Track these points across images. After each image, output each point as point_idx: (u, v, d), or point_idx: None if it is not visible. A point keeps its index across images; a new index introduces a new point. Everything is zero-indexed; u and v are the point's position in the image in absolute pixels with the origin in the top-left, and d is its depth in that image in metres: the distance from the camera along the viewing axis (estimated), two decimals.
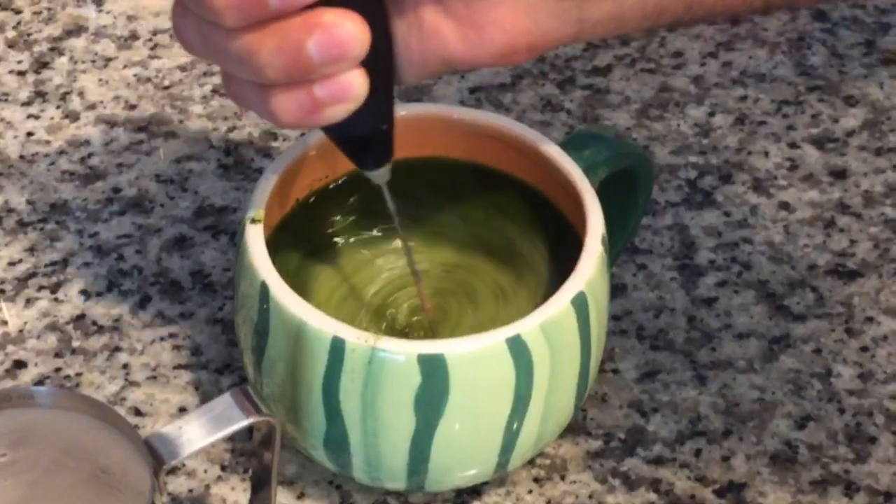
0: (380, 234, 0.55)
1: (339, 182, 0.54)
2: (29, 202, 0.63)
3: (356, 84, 0.44)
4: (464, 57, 0.45)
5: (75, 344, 0.58)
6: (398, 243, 0.55)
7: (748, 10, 0.48)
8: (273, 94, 0.44)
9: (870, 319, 0.59)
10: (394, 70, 0.46)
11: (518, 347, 0.47)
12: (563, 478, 0.53)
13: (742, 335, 0.58)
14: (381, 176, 0.49)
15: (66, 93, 0.68)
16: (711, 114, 0.68)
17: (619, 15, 0.45)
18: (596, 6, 0.45)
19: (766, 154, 0.66)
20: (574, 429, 0.54)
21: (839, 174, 0.65)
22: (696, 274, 0.60)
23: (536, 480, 0.53)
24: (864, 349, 0.58)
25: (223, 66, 0.45)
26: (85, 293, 0.60)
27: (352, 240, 0.55)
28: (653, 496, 0.53)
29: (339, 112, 0.44)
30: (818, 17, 0.73)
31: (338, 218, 0.55)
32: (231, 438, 0.50)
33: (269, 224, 0.51)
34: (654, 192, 0.63)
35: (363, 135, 0.47)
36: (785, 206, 0.63)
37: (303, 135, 0.53)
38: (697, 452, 0.54)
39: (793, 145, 0.66)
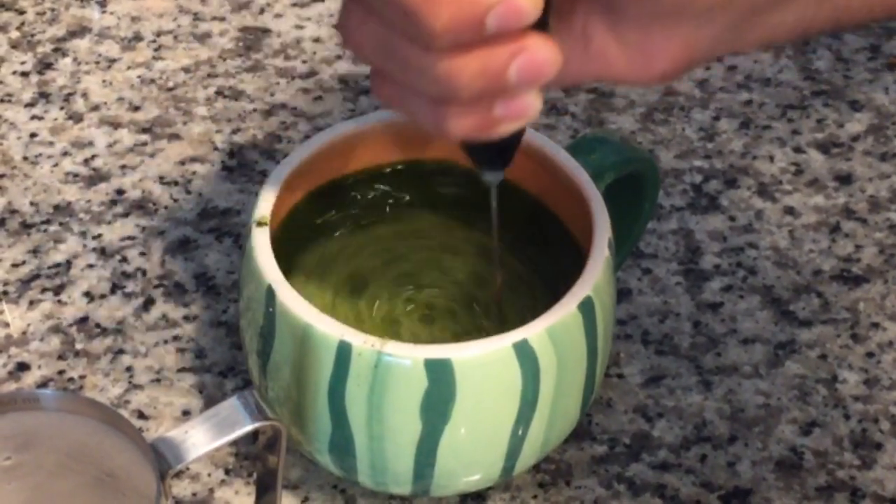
0: (385, 237, 0.55)
1: (346, 184, 0.54)
2: (32, 204, 0.63)
3: (535, 105, 0.42)
4: (625, 78, 0.44)
5: (79, 346, 0.58)
6: (401, 246, 0.55)
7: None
8: (451, 108, 0.42)
9: (875, 325, 0.59)
10: None
11: (525, 352, 0.47)
12: (568, 483, 0.53)
13: (747, 340, 0.58)
14: (497, 177, 0.48)
15: (70, 94, 0.68)
16: (716, 118, 0.68)
17: (769, 39, 0.45)
18: (753, 33, 0.44)
19: (772, 159, 0.66)
20: (579, 434, 0.54)
21: (844, 179, 0.65)
22: (702, 279, 0.60)
23: (541, 485, 0.53)
24: (870, 355, 0.58)
25: (401, 77, 0.42)
26: (88, 295, 0.59)
27: (357, 243, 0.55)
28: (658, 502, 0.53)
29: (510, 129, 0.43)
30: None
31: (343, 221, 0.55)
32: (235, 442, 0.50)
33: (274, 227, 0.51)
34: (659, 197, 0.63)
35: (501, 141, 0.45)
36: (790, 210, 0.63)
37: (307, 138, 0.53)
38: (703, 458, 0.54)
39: (798, 150, 0.66)
